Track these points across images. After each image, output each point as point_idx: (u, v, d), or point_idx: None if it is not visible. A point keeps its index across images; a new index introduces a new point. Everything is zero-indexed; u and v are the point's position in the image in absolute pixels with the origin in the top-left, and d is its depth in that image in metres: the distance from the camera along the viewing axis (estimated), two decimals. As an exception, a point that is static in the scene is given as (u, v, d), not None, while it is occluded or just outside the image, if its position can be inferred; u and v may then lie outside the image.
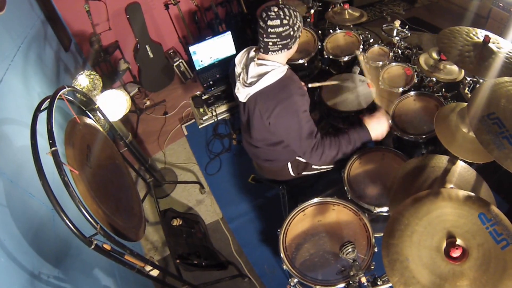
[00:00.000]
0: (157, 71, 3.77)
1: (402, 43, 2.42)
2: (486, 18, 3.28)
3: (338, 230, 1.67)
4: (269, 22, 1.45)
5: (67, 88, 1.44)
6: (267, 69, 1.55)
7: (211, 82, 2.82)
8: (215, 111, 2.89)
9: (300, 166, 2.00)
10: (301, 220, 1.74)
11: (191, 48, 2.77)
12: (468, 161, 1.49)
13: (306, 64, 2.44)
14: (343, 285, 1.47)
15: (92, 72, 2.07)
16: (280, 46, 1.52)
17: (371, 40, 2.57)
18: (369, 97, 2.12)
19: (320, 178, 2.16)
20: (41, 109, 1.31)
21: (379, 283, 1.48)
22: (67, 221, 1.08)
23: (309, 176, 2.08)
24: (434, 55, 2.10)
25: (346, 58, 2.42)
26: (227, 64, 1.89)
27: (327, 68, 2.61)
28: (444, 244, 1.09)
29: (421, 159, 1.62)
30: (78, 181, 1.22)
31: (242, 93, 1.65)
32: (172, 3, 3.29)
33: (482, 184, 1.51)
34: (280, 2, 2.22)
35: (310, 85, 2.11)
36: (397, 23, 2.32)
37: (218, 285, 2.29)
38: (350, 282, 1.40)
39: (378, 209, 1.73)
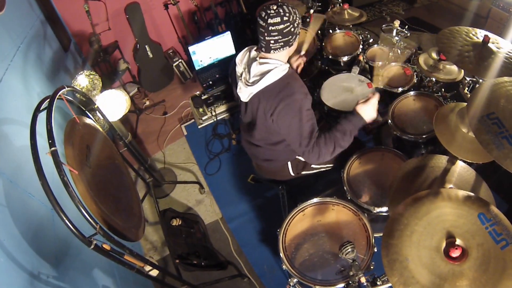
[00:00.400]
0: (157, 71, 3.77)
1: (402, 43, 2.42)
2: (486, 18, 3.28)
3: (338, 230, 1.67)
4: (270, 20, 1.46)
5: (66, 88, 1.45)
6: (270, 67, 1.56)
7: (210, 82, 2.82)
8: (215, 111, 2.89)
9: (300, 165, 2.00)
10: (300, 220, 1.74)
11: (191, 48, 2.76)
12: (468, 161, 1.49)
13: (305, 64, 2.44)
14: (342, 285, 1.47)
15: (91, 72, 2.07)
16: (282, 43, 1.53)
17: (371, 40, 2.57)
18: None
19: (319, 178, 2.16)
20: (41, 109, 1.31)
21: (378, 283, 1.48)
22: (66, 221, 1.08)
23: (309, 175, 2.08)
24: (434, 55, 2.10)
25: (345, 58, 2.42)
26: (226, 64, 1.89)
27: (326, 68, 2.62)
28: (444, 244, 1.09)
29: (420, 159, 1.62)
30: (77, 181, 1.22)
31: (245, 93, 1.65)
32: (171, 3, 3.29)
33: (482, 184, 1.51)
34: (281, 1, 2.21)
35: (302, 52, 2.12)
36: (397, 23, 2.33)
37: (218, 285, 2.29)
38: (350, 282, 1.40)
39: (377, 209, 1.73)
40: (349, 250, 1.35)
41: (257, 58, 1.61)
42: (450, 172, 1.55)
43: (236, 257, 2.50)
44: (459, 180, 1.53)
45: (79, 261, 1.63)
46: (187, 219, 2.49)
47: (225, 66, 1.85)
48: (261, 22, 1.49)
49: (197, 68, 2.87)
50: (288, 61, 1.68)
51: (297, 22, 1.52)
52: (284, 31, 1.49)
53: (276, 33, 1.49)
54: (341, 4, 2.66)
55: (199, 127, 2.98)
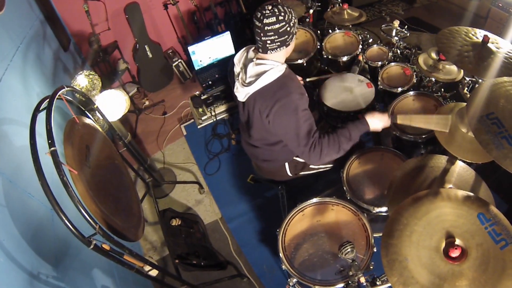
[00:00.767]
0: (156, 71, 3.76)
1: (401, 43, 2.42)
2: (485, 18, 3.29)
3: (337, 230, 1.67)
4: (265, 21, 1.46)
5: (66, 88, 1.45)
6: (266, 68, 1.55)
7: (210, 82, 2.82)
8: (214, 111, 2.89)
9: (298, 167, 2.00)
10: (300, 220, 1.74)
11: (190, 48, 2.77)
12: (467, 161, 1.49)
13: (305, 64, 2.45)
14: (342, 285, 1.48)
15: (91, 72, 2.07)
16: (279, 43, 1.53)
17: (370, 40, 2.57)
18: (368, 97, 2.12)
19: (319, 178, 2.16)
20: (40, 109, 1.31)
21: (378, 283, 1.48)
22: (66, 221, 1.08)
23: (308, 176, 2.08)
24: (433, 55, 2.10)
25: (345, 58, 2.42)
26: (226, 64, 1.89)
27: (326, 68, 2.62)
28: (443, 244, 1.09)
29: (420, 159, 1.62)
30: (77, 181, 1.22)
31: (241, 93, 1.65)
32: (171, 3, 3.28)
33: (481, 184, 1.51)
34: (278, 1, 2.22)
35: (308, 80, 2.11)
36: (396, 23, 2.33)
37: (217, 285, 2.29)
38: (349, 282, 1.40)
39: (377, 209, 1.73)
40: (349, 250, 1.35)
41: (254, 59, 1.61)
42: (449, 172, 1.55)
43: (235, 257, 2.50)
44: (459, 180, 1.53)
45: (79, 261, 1.63)
46: (187, 219, 2.49)
47: (225, 66, 1.86)
48: (256, 23, 1.49)
49: (196, 68, 2.87)
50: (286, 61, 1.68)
51: (293, 22, 1.52)
52: (280, 31, 1.49)
53: (272, 33, 1.49)
54: (340, 4, 2.66)
55: (199, 127, 2.98)
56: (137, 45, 3.51)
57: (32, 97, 1.89)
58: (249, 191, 2.82)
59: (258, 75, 1.55)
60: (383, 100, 2.31)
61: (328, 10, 2.68)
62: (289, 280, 1.61)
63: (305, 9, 2.83)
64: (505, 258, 1.02)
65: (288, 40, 1.55)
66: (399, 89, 2.14)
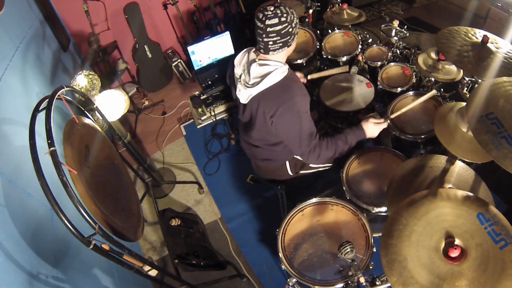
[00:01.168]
0: (156, 71, 3.76)
1: (401, 43, 2.42)
2: (485, 18, 3.29)
3: (337, 230, 1.67)
4: (268, 22, 1.46)
5: (65, 88, 1.44)
6: (270, 69, 1.56)
7: (209, 82, 2.82)
8: (214, 111, 2.89)
9: (298, 165, 2.01)
10: (299, 220, 1.74)
11: (190, 48, 2.76)
12: (467, 161, 1.50)
13: (304, 64, 2.45)
14: (341, 285, 1.48)
15: (90, 72, 2.07)
16: (281, 44, 1.53)
17: (370, 40, 2.57)
18: (367, 97, 2.12)
19: (318, 178, 2.16)
20: (40, 109, 1.31)
21: (377, 283, 1.48)
22: (65, 221, 1.08)
23: (307, 175, 2.08)
24: (433, 55, 2.10)
25: (344, 58, 2.42)
26: (225, 64, 1.89)
27: (325, 68, 2.61)
28: (443, 244, 1.09)
29: (419, 159, 1.62)
30: (76, 181, 1.22)
31: (244, 94, 1.64)
32: (170, 3, 3.28)
33: (481, 184, 1.51)
34: (279, 2, 2.22)
35: (309, 77, 2.11)
36: (396, 23, 2.33)
37: (217, 285, 2.29)
38: (349, 282, 1.40)
39: (376, 209, 1.73)
40: (348, 250, 1.36)
41: (256, 60, 1.61)
42: (449, 172, 1.55)
43: (235, 257, 2.50)
44: (458, 180, 1.53)
45: (78, 261, 1.62)
46: (186, 219, 2.49)
47: (224, 66, 1.85)
48: (258, 24, 1.49)
49: (196, 68, 2.87)
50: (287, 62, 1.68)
51: (294, 22, 1.52)
52: (282, 32, 1.49)
53: (274, 34, 1.49)
54: (340, 4, 2.66)
55: (198, 127, 2.98)
56: (137, 45, 3.51)
57: (32, 97, 1.88)
58: (249, 191, 2.82)
59: (263, 76, 1.56)
60: (382, 100, 2.32)
61: (328, 10, 2.68)
62: (288, 280, 1.61)
63: (304, 9, 2.83)
64: (504, 258, 1.02)
65: (290, 41, 1.55)
66: (399, 89, 2.14)
